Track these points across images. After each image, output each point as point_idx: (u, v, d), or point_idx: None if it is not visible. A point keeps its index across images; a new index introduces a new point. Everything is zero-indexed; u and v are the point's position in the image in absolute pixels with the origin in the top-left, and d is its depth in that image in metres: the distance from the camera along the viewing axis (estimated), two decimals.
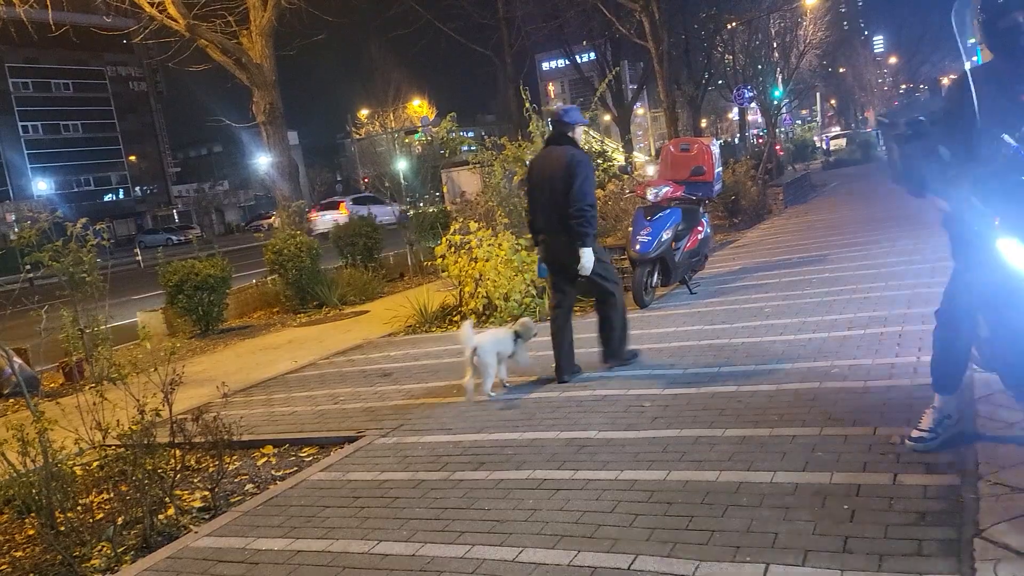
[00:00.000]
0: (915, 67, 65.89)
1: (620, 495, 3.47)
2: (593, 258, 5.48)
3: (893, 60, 72.18)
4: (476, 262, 8.59)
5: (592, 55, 36.08)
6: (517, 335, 5.62)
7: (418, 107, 54.34)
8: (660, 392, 4.92)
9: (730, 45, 34.71)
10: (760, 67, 34.09)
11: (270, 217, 41.74)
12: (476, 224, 8.90)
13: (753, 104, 35.82)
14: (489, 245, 8.54)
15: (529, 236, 9.01)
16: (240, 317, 12.01)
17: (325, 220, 25.16)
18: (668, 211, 8.42)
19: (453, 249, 8.83)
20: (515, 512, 3.47)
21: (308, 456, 4.97)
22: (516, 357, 5.64)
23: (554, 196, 5.51)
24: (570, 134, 5.69)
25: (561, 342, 5.65)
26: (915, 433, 3.45)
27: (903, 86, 71.74)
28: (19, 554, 4.05)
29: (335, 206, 33.85)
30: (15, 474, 4.16)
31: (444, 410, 5.37)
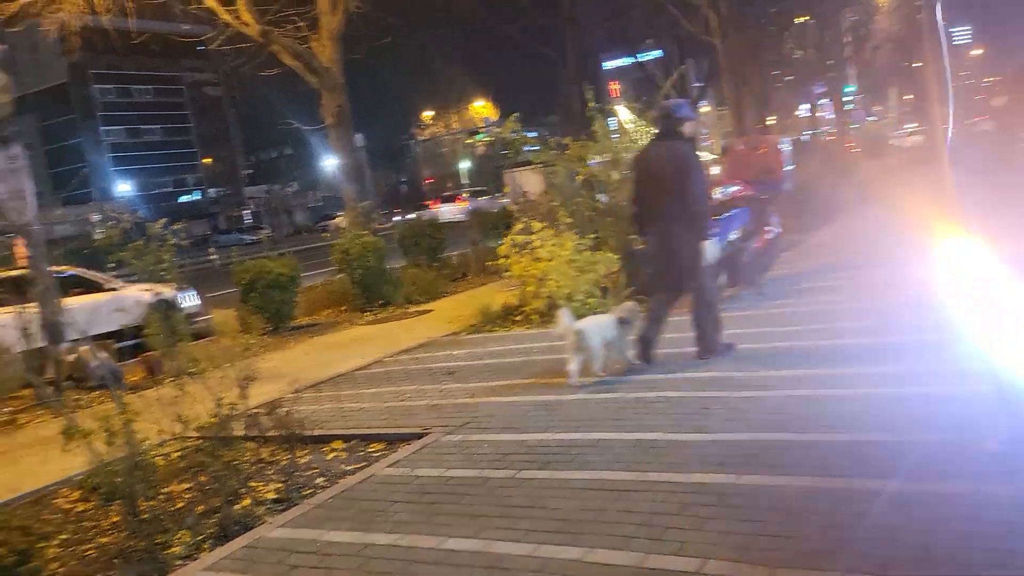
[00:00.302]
0: (1003, 58, 62.99)
1: (688, 498, 3.43)
2: (711, 249, 5.73)
3: (977, 52, 69.24)
4: (539, 262, 8.60)
5: (657, 53, 35.68)
6: (622, 321, 5.71)
7: (481, 108, 54.65)
8: (729, 395, 4.83)
9: (800, 40, 33.88)
10: (831, 62, 33.18)
11: (337, 217, 42.97)
12: (539, 224, 8.91)
13: (824, 100, 34.87)
14: (552, 245, 8.54)
15: (592, 235, 9.01)
16: (309, 315, 12.29)
17: (444, 211, 29.00)
18: (736, 211, 8.28)
19: (516, 249, 8.86)
20: (581, 512, 3.47)
21: (376, 452, 5.06)
22: (618, 344, 5.74)
23: (665, 188, 5.67)
24: (679, 129, 5.80)
25: (649, 327, 5.77)
26: (995, 443, 3.31)
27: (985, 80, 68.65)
28: (105, 540, 4.24)
29: (453, 199, 40.35)
30: (101, 463, 4.34)
31: (508, 409, 5.39)
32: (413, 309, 11.40)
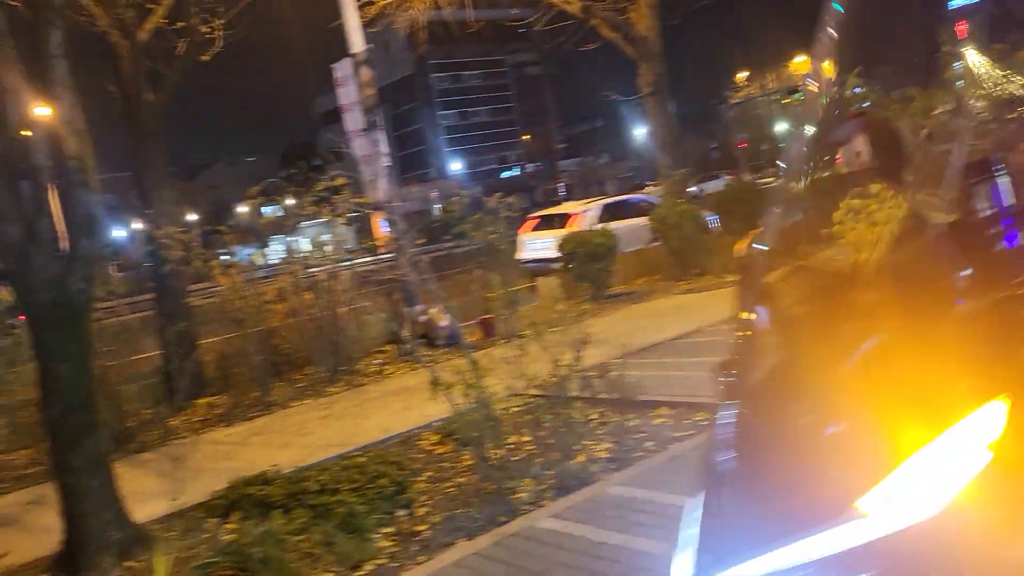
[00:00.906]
0: None
1: None
2: None
3: None
4: (875, 226, 7.84)
5: None
6: None
7: (801, 64, 50.94)
8: None
9: None
10: None
11: (646, 187, 43.26)
12: (877, 185, 8.11)
13: None
14: (891, 207, 7.72)
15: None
16: (624, 283, 12.56)
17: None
18: None
19: (852, 214, 8.16)
20: None
21: (703, 420, 5.01)
22: None
23: None
24: None
25: None
26: None
27: None
28: (462, 480, 4.78)
29: None
30: (457, 412, 4.88)
31: None
32: (730, 278, 11.08)
